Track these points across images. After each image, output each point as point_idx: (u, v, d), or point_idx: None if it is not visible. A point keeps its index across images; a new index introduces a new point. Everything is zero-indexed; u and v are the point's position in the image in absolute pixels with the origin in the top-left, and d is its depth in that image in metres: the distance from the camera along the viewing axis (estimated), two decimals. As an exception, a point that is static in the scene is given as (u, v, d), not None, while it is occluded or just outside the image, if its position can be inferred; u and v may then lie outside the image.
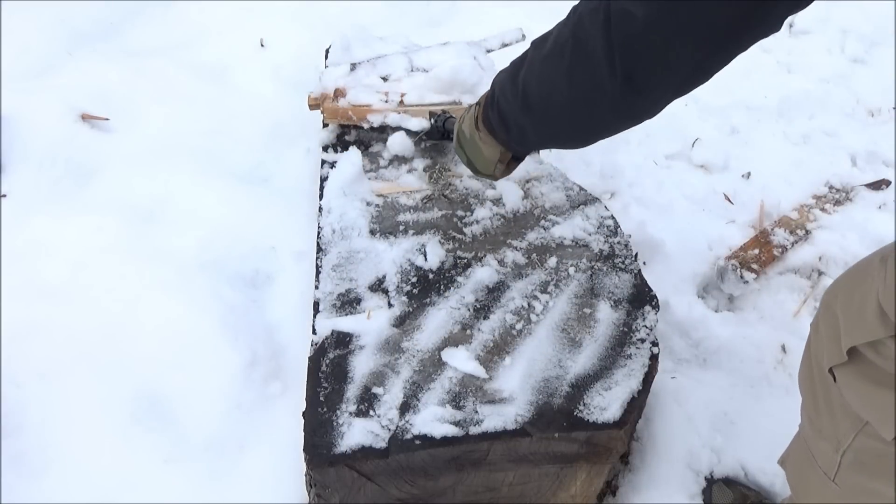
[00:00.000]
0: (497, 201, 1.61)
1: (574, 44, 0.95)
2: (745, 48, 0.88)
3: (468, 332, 1.33)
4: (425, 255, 1.47)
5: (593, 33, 0.91)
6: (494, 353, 1.29)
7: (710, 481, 1.57)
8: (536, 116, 1.09)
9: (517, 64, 1.12)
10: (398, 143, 1.73)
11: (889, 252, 0.86)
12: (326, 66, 2.06)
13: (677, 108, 2.78)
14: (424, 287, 1.41)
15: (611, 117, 1.01)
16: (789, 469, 1.19)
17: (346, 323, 1.34)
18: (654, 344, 1.33)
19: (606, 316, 1.37)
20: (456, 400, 1.22)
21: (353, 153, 1.71)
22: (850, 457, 0.95)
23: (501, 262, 1.47)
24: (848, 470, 0.96)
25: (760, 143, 2.52)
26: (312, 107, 1.92)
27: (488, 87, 1.24)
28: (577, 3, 0.98)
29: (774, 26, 0.85)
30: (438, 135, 1.70)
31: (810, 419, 1.05)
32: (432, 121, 1.70)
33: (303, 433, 1.18)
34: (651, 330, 1.35)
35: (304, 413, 1.21)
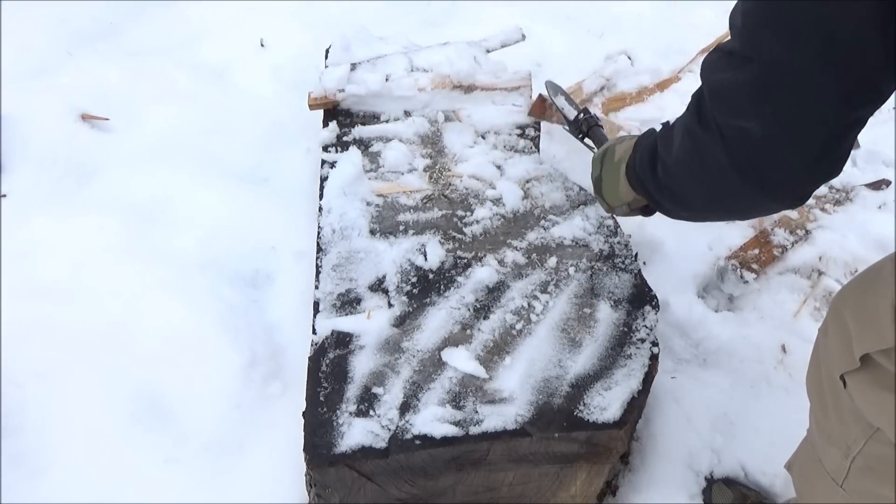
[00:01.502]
0: (497, 201, 1.61)
1: (700, 162, 0.94)
2: (862, 126, 0.85)
3: (468, 332, 1.33)
4: (425, 255, 1.47)
5: (715, 153, 0.89)
6: (494, 353, 1.29)
7: (710, 481, 1.57)
8: (685, 211, 1.10)
9: (653, 152, 1.09)
10: (392, 156, 1.73)
11: None
12: (326, 66, 2.06)
13: (678, 108, 2.76)
14: (424, 287, 1.41)
15: (761, 213, 1.02)
16: (796, 473, 1.19)
17: (346, 323, 1.34)
18: (654, 344, 1.33)
19: (606, 316, 1.37)
20: (456, 400, 1.22)
21: (353, 153, 1.71)
22: (860, 462, 0.94)
23: (501, 262, 1.47)
24: (857, 476, 0.96)
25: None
26: (313, 107, 1.92)
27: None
28: (689, 102, 0.97)
29: (884, 98, 0.82)
30: (576, 132, 1.68)
31: (818, 424, 1.04)
32: (581, 115, 1.67)
33: (303, 433, 1.18)
34: (651, 330, 1.35)
35: (304, 413, 1.21)
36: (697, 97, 0.93)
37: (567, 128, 1.73)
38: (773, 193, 0.89)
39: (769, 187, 0.88)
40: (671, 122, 1.06)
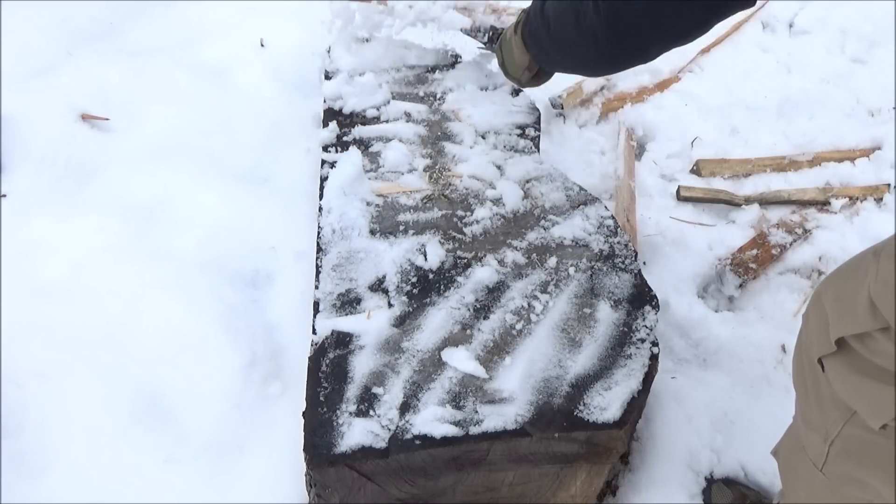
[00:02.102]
0: (497, 201, 1.61)
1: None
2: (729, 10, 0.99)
3: (468, 332, 1.33)
4: (425, 255, 1.47)
5: None
6: (494, 353, 1.30)
7: (710, 481, 1.58)
8: (556, 44, 1.31)
9: None
10: (392, 156, 1.73)
11: (882, 247, 0.86)
12: (327, 72, 2.06)
13: (677, 108, 2.77)
14: (424, 287, 1.41)
15: (605, 62, 1.23)
16: (781, 460, 1.20)
17: (346, 323, 1.34)
18: (654, 344, 1.33)
19: (606, 316, 1.37)
20: (456, 400, 1.22)
21: (353, 153, 1.71)
22: (838, 446, 0.96)
23: (501, 262, 1.47)
24: (835, 459, 0.97)
25: (760, 143, 2.52)
26: None
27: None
28: None
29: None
30: (489, 46, 1.90)
31: (801, 410, 1.06)
32: (491, 32, 1.89)
33: (303, 433, 1.18)
34: (651, 330, 1.35)
35: (304, 413, 1.21)
36: None
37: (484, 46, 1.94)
38: (623, 42, 1.12)
39: (625, 39, 1.11)
40: None
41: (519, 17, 1.51)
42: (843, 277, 0.95)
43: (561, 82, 2.66)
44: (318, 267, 1.46)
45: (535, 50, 1.42)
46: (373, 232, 1.53)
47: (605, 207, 1.62)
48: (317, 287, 1.42)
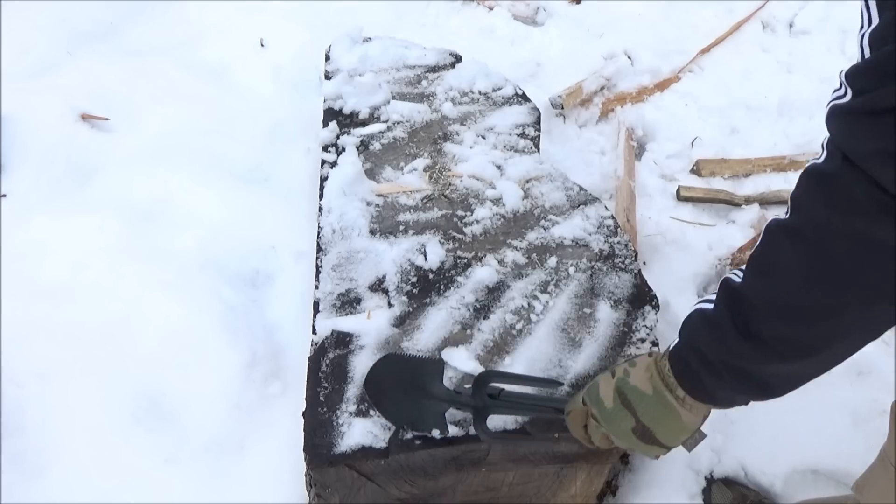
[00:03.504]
0: (497, 201, 1.61)
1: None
2: None
3: (468, 331, 1.33)
4: (425, 255, 1.47)
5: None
6: (494, 353, 1.29)
7: (710, 481, 1.58)
8: (817, 355, 0.87)
9: (729, 314, 0.87)
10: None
11: None
12: (327, 72, 2.06)
13: (677, 108, 2.77)
14: (424, 287, 1.41)
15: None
16: (867, 494, 1.19)
17: (346, 323, 1.34)
18: (654, 344, 1.33)
19: (606, 316, 1.37)
20: (456, 400, 1.22)
21: (353, 153, 1.71)
22: None
23: (501, 262, 1.47)
24: None
25: (760, 143, 2.52)
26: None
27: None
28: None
29: None
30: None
31: None
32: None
33: (303, 433, 1.18)
34: (651, 330, 1.35)
35: (304, 413, 1.21)
36: None
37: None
38: None
39: None
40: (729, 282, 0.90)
41: (643, 371, 0.97)
42: None
43: (561, 82, 2.66)
44: (318, 267, 1.46)
45: (750, 393, 0.94)
46: (373, 232, 1.53)
47: (605, 207, 1.62)
48: (317, 287, 1.42)
